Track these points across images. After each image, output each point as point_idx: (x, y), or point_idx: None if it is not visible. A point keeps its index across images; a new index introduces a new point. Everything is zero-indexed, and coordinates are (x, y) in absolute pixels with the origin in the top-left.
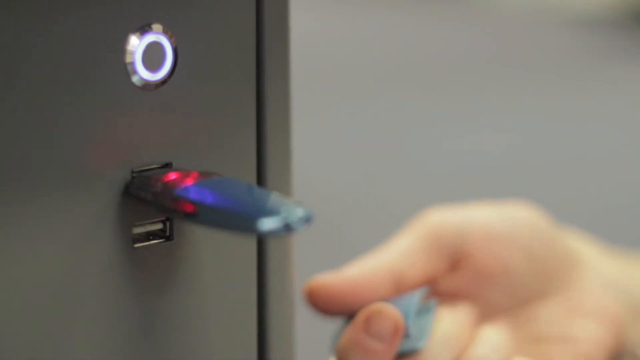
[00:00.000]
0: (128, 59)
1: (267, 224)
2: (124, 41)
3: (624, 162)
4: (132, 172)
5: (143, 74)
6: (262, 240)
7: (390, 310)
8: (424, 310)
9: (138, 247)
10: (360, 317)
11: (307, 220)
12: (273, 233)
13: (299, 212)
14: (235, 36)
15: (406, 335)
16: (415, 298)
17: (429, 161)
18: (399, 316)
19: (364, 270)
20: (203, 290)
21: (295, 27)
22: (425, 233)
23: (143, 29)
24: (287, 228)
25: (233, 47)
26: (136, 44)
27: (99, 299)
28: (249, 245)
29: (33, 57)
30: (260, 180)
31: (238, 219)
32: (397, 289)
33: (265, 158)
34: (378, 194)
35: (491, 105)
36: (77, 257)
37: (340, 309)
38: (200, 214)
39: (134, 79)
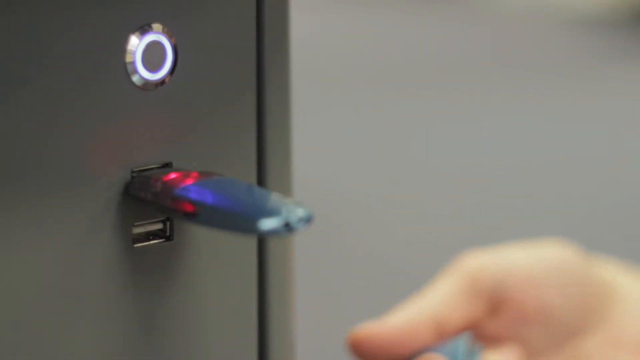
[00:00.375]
0: (128, 59)
1: (267, 224)
2: (124, 41)
3: (624, 162)
4: (132, 172)
5: (143, 73)
6: (262, 240)
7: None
8: (469, 355)
9: (138, 247)
10: None
11: (307, 220)
12: (273, 233)
13: (299, 212)
14: (235, 36)
15: None
16: (460, 344)
17: (428, 160)
18: None
19: (405, 319)
20: (203, 290)
21: (295, 27)
22: (463, 279)
23: (143, 29)
24: (287, 228)
25: (233, 47)
26: (136, 44)
27: (99, 299)
28: (249, 245)
29: (33, 56)
30: (260, 180)
31: (238, 219)
32: (439, 336)
33: (265, 158)
34: (378, 194)
35: (491, 105)
36: (77, 257)
37: (384, 358)
38: (200, 214)
39: (134, 78)
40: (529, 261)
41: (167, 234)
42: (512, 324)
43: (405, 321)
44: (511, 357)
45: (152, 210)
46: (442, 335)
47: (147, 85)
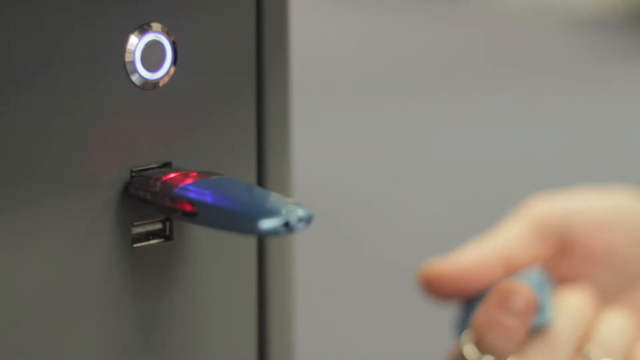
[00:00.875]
0: (127, 58)
1: (267, 224)
2: (123, 40)
3: (624, 161)
4: (132, 171)
5: (142, 73)
6: (262, 240)
7: (522, 286)
8: (542, 286)
9: (137, 247)
10: (493, 296)
11: (307, 220)
12: (273, 233)
13: (299, 212)
14: (235, 35)
15: (535, 309)
16: (535, 273)
17: (429, 160)
18: (531, 290)
19: (476, 256)
20: (203, 290)
21: (295, 27)
22: (531, 220)
23: (142, 28)
24: (287, 228)
25: (233, 47)
26: (135, 43)
27: (99, 298)
28: (249, 245)
29: (33, 56)
30: (260, 180)
31: (238, 219)
32: (508, 273)
33: (265, 158)
34: (378, 194)
35: (491, 105)
36: (77, 257)
37: (454, 293)
38: (200, 214)
39: (134, 78)
40: (598, 205)
41: (167, 233)
42: (581, 265)
43: (476, 258)
44: (584, 294)
45: (152, 210)
46: (511, 273)
47: (146, 84)
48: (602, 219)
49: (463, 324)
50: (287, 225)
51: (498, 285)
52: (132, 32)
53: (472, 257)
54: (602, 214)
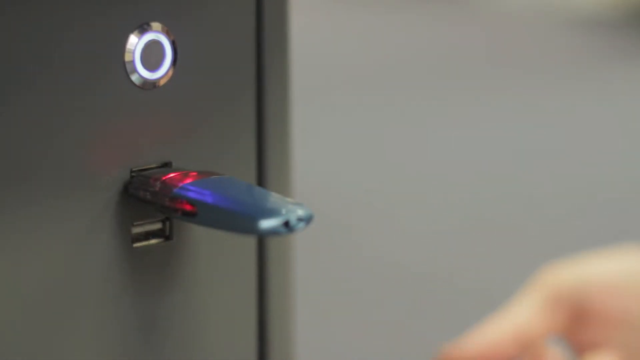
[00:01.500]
0: (127, 58)
1: (267, 224)
2: (123, 40)
3: (624, 161)
4: (132, 171)
5: (142, 72)
6: (262, 240)
7: None
8: None
9: (137, 247)
10: None
11: (307, 220)
12: (273, 233)
13: (299, 212)
14: (235, 35)
15: None
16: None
17: (428, 160)
18: None
19: (492, 337)
20: (203, 290)
21: (295, 27)
22: (545, 292)
23: (142, 28)
24: (287, 228)
25: (233, 46)
26: (135, 43)
27: (99, 298)
28: (249, 245)
29: (33, 56)
30: (260, 180)
31: (238, 219)
32: (525, 349)
33: (265, 158)
34: (378, 193)
35: (491, 105)
36: (77, 257)
37: None
38: (199, 214)
39: (133, 77)
40: (609, 270)
41: (167, 233)
42: (600, 331)
43: (492, 339)
44: (609, 358)
45: (152, 210)
46: (529, 347)
47: (146, 84)
48: (615, 284)
49: None
50: (287, 225)
51: None
52: (132, 31)
53: (488, 339)
54: (615, 279)
